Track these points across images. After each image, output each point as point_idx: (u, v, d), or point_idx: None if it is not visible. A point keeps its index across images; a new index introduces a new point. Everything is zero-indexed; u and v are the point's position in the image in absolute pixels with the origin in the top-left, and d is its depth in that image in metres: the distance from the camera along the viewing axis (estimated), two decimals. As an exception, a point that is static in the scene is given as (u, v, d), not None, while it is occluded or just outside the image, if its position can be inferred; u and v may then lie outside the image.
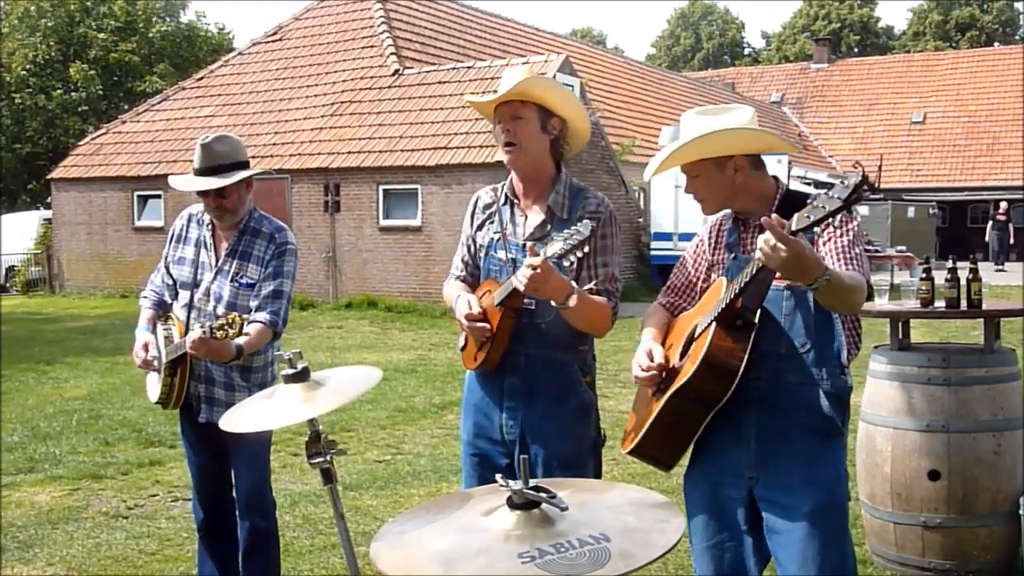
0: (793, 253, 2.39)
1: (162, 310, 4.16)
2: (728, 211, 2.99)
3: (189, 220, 4.15)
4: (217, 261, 3.99)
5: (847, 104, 41.25)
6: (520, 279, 2.83)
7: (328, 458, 2.45)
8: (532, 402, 3.11)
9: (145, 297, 4.20)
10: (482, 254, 3.26)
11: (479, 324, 3.07)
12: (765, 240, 2.41)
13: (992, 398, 4.55)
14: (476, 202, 3.37)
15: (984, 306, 4.76)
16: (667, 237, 21.58)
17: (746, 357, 2.67)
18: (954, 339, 9.96)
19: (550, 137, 3.13)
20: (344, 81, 21.07)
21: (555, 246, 2.79)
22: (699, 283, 3.04)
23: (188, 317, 3.98)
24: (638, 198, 22.79)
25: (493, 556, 1.74)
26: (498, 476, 1.96)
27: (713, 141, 2.81)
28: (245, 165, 3.94)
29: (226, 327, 3.50)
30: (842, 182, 2.34)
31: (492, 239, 3.21)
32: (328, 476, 2.46)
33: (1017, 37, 55.84)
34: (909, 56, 46.30)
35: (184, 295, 4.03)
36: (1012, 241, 29.59)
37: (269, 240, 3.98)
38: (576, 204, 3.12)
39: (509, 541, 1.78)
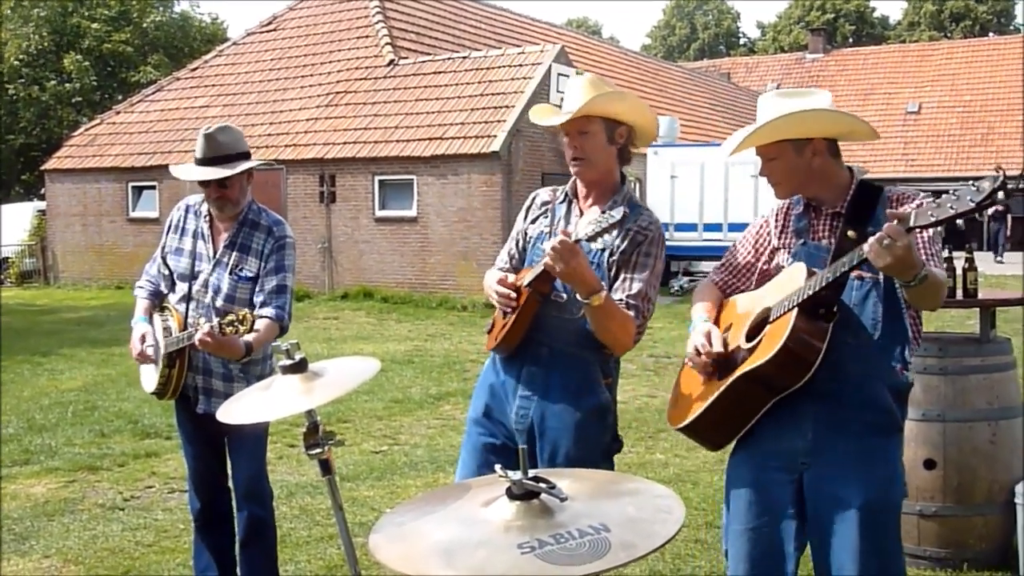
0: (903, 250, 2.37)
1: (158, 300, 4.14)
2: (798, 196, 2.93)
3: (186, 211, 4.13)
4: (215, 253, 3.98)
5: (842, 94, 41.19)
6: (545, 248, 2.84)
7: (326, 449, 2.45)
8: (548, 395, 3.09)
9: (140, 287, 4.18)
10: (530, 245, 3.25)
11: (504, 289, 3.07)
12: (878, 238, 2.38)
13: (988, 387, 4.56)
14: (534, 199, 3.36)
15: (980, 295, 4.77)
16: (663, 228, 21.57)
17: (824, 347, 2.63)
18: (950, 329, 9.97)
19: (617, 146, 3.13)
20: (339, 71, 21.00)
21: (585, 228, 2.80)
22: (759, 265, 2.98)
23: (187, 309, 3.97)
24: (634, 189, 22.75)
25: (493, 547, 1.74)
26: (497, 467, 1.96)
27: (795, 122, 2.76)
28: (247, 156, 3.93)
29: (236, 323, 3.49)
30: (974, 185, 2.26)
31: (542, 231, 3.20)
32: (326, 467, 2.46)
33: (1012, 27, 55.84)
34: (904, 46, 46.29)
35: (182, 286, 4.01)
36: (1009, 232, 29.49)
37: (268, 233, 3.97)
38: (630, 218, 3.08)
39: (509, 532, 1.78)
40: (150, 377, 4.06)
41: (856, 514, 2.68)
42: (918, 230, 2.49)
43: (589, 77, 3.13)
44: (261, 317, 3.77)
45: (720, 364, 2.82)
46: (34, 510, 5.92)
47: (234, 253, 3.95)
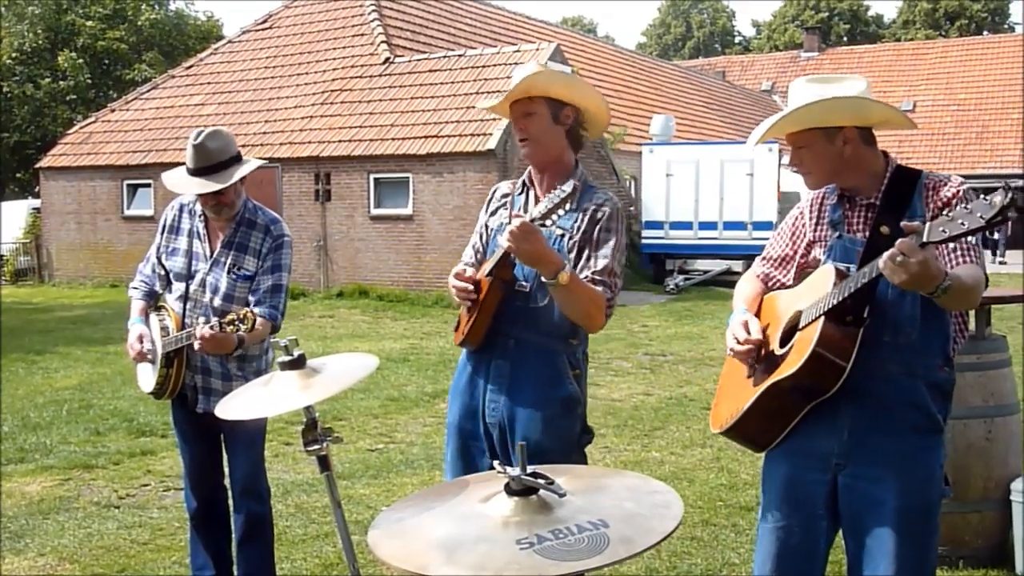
0: (920, 265, 2.29)
1: (152, 301, 4.14)
2: (832, 185, 2.84)
3: (181, 210, 4.11)
4: (212, 252, 3.97)
5: (837, 93, 41.20)
6: (504, 236, 2.83)
7: (325, 445, 2.44)
8: (516, 387, 3.08)
9: (135, 288, 4.17)
10: (491, 238, 3.26)
11: (461, 283, 3.07)
12: (891, 255, 2.31)
13: (983, 385, 4.56)
14: (495, 192, 3.37)
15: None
16: (658, 226, 21.61)
17: (855, 354, 2.57)
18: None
19: (564, 127, 3.11)
20: (335, 70, 20.99)
21: (539, 207, 2.80)
22: (797, 258, 2.94)
23: (184, 308, 3.96)
24: (629, 187, 22.80)
25: (492, 542, 1.74)
26: (495, 463, 1.96)
27: (825, 109, 2.67)
28: (238, 158, 3.91)
29: (237, 322, 3.51)
30: (984, 198, 2.17)
31: (502, 223, 3.20)
32: (324, 463, 2.46)
33: (1006, 26, 55.94)
34: (899, 45, 46.38)
35: (178, 286, 4.00)
36: (1010, 232, 28.96)
37: (265, 232, 3.97)
38: (585, 198, 3.09)
39: (508, 527, 1.78)
40: (147, 377, 4.05)
41: (892, 516, 2.63)
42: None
43: (534, 62, 3.13)
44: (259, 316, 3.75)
45: (762, 368, 2.78)
46: (29, 508, 5.90)
47: (231, 252, 3.94)
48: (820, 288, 2.66)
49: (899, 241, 2.31)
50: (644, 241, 21.71)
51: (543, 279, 2.89)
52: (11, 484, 6.45)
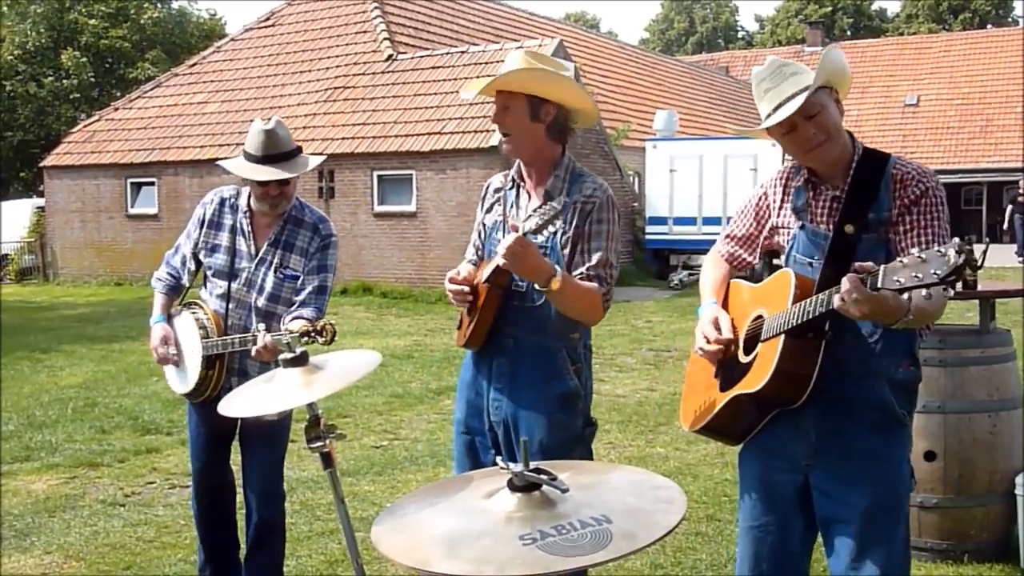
0: (876, 307, 2.29)
1: (176, 295, 4.00)
2: (798, 166, 2.78)
3: (222, 204, 3.93)
4: (257, 250, 3.83)
5: (841, 87, 41.11)
6: (498, 251, 2.84)
7: (328, 442, 2.45)
8: (517, 386, 3.10)
9: (159, 280, 4.02)
10: (487, 235, 3.27)
11: (456, 287, 3.09)
12: (842, 293, 2.30)
13: (988, 379, 4.56)
14: (488, 187, 3.36)
15: (979, 287, 4.76)
16: (662, 221, 21.58)
17: (818, 366, 2.57)
18: (949, 320, 9.97)
19: (544, 124, 3.08)
20: (338, 67, 20.99)
21: (530, 221, 2.80)
22: (761, 239, 2.92)
23: (226, 308, 3.82)
24: (633, 183, 22.76)
25: (495, 538, 1.74)
26: (498, 459, 1.96)
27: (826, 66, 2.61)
28: (300, 149, 3.82)
29: (314, 335, 3.36)
30: (939, 251, 2.11)
31: (496, 220, 3.21)
32: (328, 460, 2.46)
33: (1010, 19, 55.79)
34: (902, 39, 46.23)
35: (219, 284, 3.86)
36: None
37: (313, 231, 3.85)
38: (574, 188, 3.09)
39: (511, 523, 1.78)
40: (179, 378, 3.92)
41: (860, 515, 2.64)
42: (909, 221, 2.45)
43: (522, 53, 3.08)
44: (299, 317, 3.63)
45: (725, 363, 2.77)
46: (35, 506, 5.92)
47: (278, 251, 3.81)
48: (780, 297, 2.63)
49: (849, 279, 2.27)
50: (648, 237, 21.69)
51: (536, 287, 2.92)
52: (17, 482, 6.47)
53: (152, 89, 23.78)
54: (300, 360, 2.46)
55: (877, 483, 2.66)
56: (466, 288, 3.09)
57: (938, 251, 2.11)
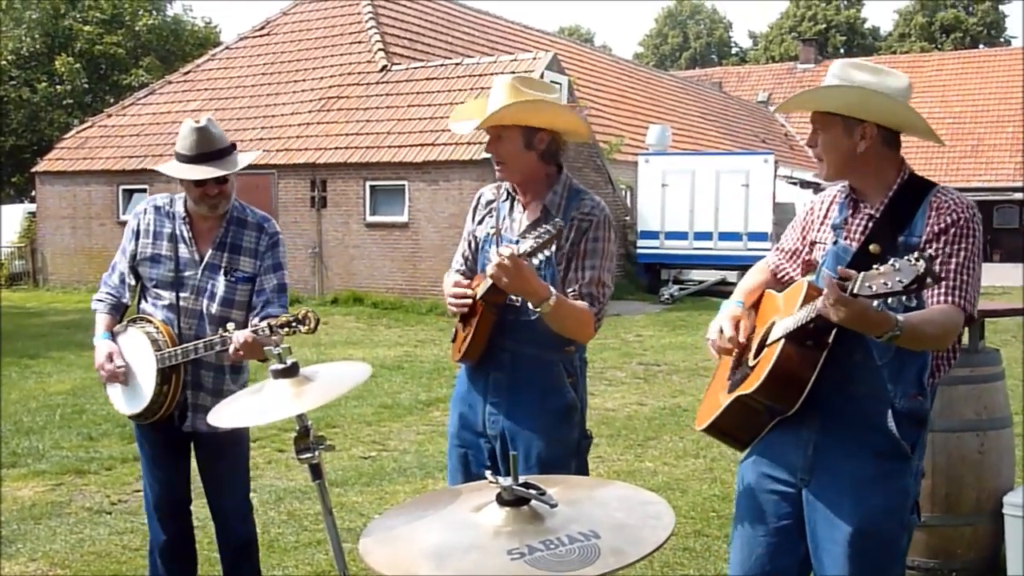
0: (853, 314, 2.29)
1: (118, 314, 3.82)
2: (846, 185, 2.76)
3: (157, 212, 3.75)
4: (201, 256, 3.68)
5: (833, 104, 41.27)
6: (489, 270, 2.84)
7: (317, 453, 2.44)
8: (515, 400, 3.10)
9: (100, 301, 3.82)
10: (479, 248, 3.26)
11: (458, 296, 3.09)
12: (824, 295, 2.31)
13: (977, 397, 4.58)
14: (479, 198, 3.36)
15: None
16: (654, 236, 21.62)
17: (814, 376, 2.55)
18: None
19: (538, 151, 3.10)
20: (332, 76, 21.00)
21: (525, 244, 2.80)
22: (803, 254, 2.92)
23: (177, 319, 3.67)
24: (625, 196, 22.81)
25: (483, 552, 1.74)
26: (487, 472, 1.96)
27: (851, 96, 2.57)
28: (235, 147, 3.71)
29: (295, 324, 3.29)
30: (910, 260, 2.15)
31: (488, 233, 3.21)
32: (317, 471, 2.45)
33: (1002, 39, 56.12)
34: (895, 57, 46.49)
35: (165, 295, 3.69)
36: None
37: (259, 230, 3.74)
38: (572, 205, 3.10)
39: (499, 537, 1.78)
40: (125, 398, 3.79)
41: (845, 540, 2.60)
42: (937, 247, 2.43)
43: (509, 81, 3.08)
44: (270, 316, 3.51)
45: (738, 365, 2.79)
46: (21, 513, 5.88)
47: (225, 254, 3.68)
48: (792, 304, 2.66)
49: (828, 284, 2.30)
50: (639, 251, 21.72)
51: (529, 306, 2.92)
52: (3, 489, 6.43)
53: (146, 96, 23.75)
54: (290, 371, 2.46)
55: (867, 511, 2.60)
56: (468, 301, 3.10)
57: (908, 260, 2.14)
